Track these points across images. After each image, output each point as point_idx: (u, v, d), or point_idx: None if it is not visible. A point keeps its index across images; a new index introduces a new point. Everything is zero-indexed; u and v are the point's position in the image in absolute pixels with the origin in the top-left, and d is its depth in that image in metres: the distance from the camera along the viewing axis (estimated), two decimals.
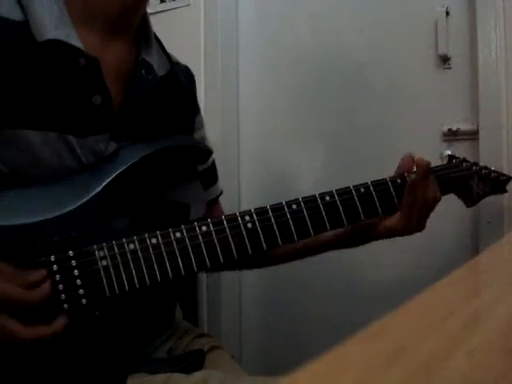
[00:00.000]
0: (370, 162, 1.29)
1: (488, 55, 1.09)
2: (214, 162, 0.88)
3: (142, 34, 0.73)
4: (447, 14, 1.18)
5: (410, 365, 0.21)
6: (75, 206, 0.60)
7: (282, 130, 1.43)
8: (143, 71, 0.69)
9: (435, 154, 1.21)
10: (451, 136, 1.19)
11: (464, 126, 1.16)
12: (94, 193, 0.62)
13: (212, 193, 0.88)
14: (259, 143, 1.47)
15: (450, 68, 1.20)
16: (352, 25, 1.32)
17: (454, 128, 1.17)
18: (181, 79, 0.79)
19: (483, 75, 1.09)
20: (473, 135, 1.15)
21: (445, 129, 1.19)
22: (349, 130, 1.33)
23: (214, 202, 0.89)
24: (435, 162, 1.19)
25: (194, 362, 0.65)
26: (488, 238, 1.08)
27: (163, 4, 1.48)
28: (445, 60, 1.20)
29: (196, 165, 0.80)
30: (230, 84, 1.46)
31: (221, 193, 0.91)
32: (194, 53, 1.41)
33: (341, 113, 1.34)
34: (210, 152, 0.78)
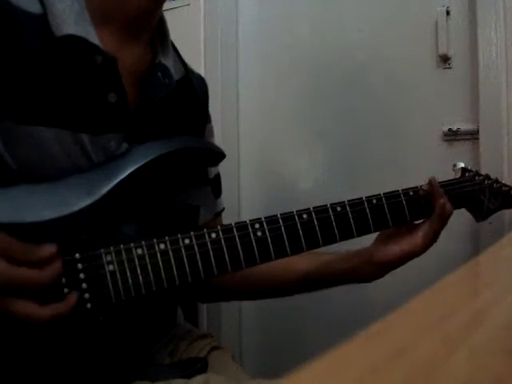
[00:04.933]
0: (370, 162, 1.29)
1: (488, 55, 1.09)
2: (218, 176, 0.86)
3: (158, 37, 0.73)
4: (447, 13, 1.18)
5: (411, 365, 0.21)
6: (84, 206, 0.59)
7: (282, 130, 1.43)
8: (159, 74, 0.69)
9: (435, 153, 1.22)
10: (451, 136, 1.19)
11: (464, 126, 1.17)
12: (103, 192, 0.60)
13: (215, 207, 0.86)
14: (259, 144, 1.47)
15: (450, 68, 1.20)
16: (352, 25, 1.32)
17: (454, 128, 1.17)
18: (194, 86, 0.79)
19: (483, 75, 1.09)
20: (473, 135, 1.15)
21: (445, 129, 1.19)
22: (349, 130, 1.33)
23: (216, 216, 0.86)
24: (435, 161, 1.20)
25: (195, 370, 0.64)
26: (488, 238, 1.08)
27: None
28: (445, 60, 1.20)
29: (208, 167, 0.79)
30: (230, 84, 1.46)
31: (223, 209, 0.88)
32: (194, 53, 1.41)
33: (341, 113, 1.34)
34: (222, 155, 0.77)
